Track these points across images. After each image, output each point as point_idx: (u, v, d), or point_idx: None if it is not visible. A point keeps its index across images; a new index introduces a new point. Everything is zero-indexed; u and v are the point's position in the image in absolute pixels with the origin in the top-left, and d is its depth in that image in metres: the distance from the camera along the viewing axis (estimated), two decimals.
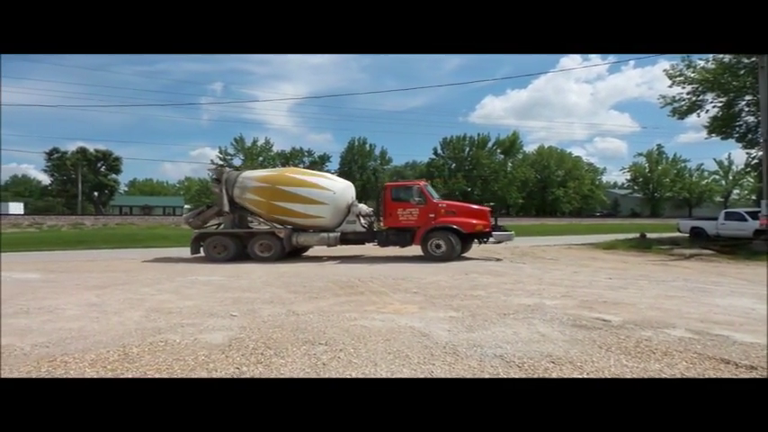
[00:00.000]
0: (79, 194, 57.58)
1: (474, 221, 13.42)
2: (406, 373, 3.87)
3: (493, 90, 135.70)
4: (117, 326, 5.57)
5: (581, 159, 79.71)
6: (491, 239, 13.86)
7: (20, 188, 71.31)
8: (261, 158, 61.60)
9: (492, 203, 16.12)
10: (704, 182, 73.96)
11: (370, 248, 15.30)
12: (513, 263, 12.71)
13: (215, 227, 15.17)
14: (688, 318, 5.82)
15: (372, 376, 3.74)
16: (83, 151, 61.15)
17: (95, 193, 62.65)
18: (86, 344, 4.79)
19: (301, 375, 3.83)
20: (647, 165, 75.85)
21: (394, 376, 3.77)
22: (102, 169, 62.58)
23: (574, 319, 5.70)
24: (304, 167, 65.42)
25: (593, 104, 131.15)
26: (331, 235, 14.04)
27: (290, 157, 64.50)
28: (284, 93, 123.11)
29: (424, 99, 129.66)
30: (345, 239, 14.25)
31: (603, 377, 3.73)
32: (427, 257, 13.29)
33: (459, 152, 69.23)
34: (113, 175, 64.52)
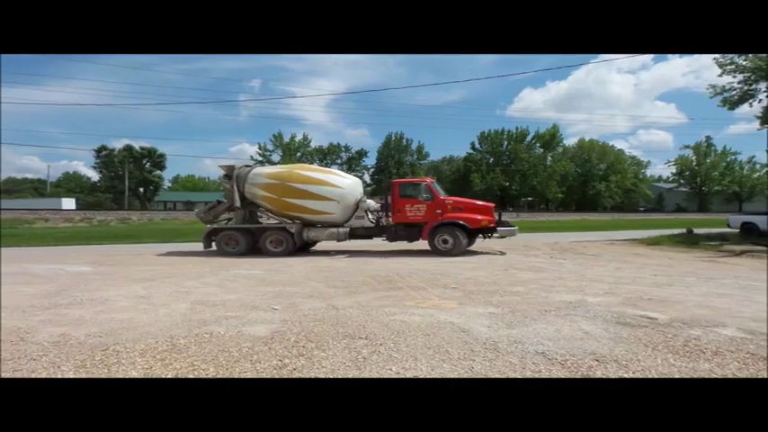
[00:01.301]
0: (126, 190, 59.73)
1: (479, 217, 13.78)
2: (446, 368, 3.88)
3: (531, 82, 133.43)
4: (164, 317, 5.76)
5: (623, 152, 77.81)
6: (495, 234, 14.12)
7: (72, 184, 74.37)
8: (299, 154, 62.31)
9: (499, 201, 16.05)
10: (756, 175, 70.85)
11: (379, 243, 15.49)
12: (554, 259, 12.49)
13: (225, 222, 15.47)
14: (739, 316, 5.60)
15: (372, 376, 3.70)
16: (129, 148, 63.39)
17: (141, 189, 64.86)
18: (136, 334, 4.98)
19: (342, 369, 3.89)
20: (694, 157, 73.23)
21: (400, 376, 3.78)
22: (147, 166, 64.71)
23: (618, 317, 5.58)
24: (341, 162, 66.19)
25: (636, 95, 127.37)
26: (341, 230, 14.34)
27: (328, 153, 65.11)
28: (321, 89, 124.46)
29: (460, 93, 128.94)
30: (354, 234, 14.57)
31: (603, 377, 3.67)
32: (434, 252, 13.61)
33: (497, 146, 68.31)
34: (158, 172, 66.66)
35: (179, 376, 3.76)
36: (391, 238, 14.41)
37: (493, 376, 3.71)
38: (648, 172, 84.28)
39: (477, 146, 69.83)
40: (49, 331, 5.09)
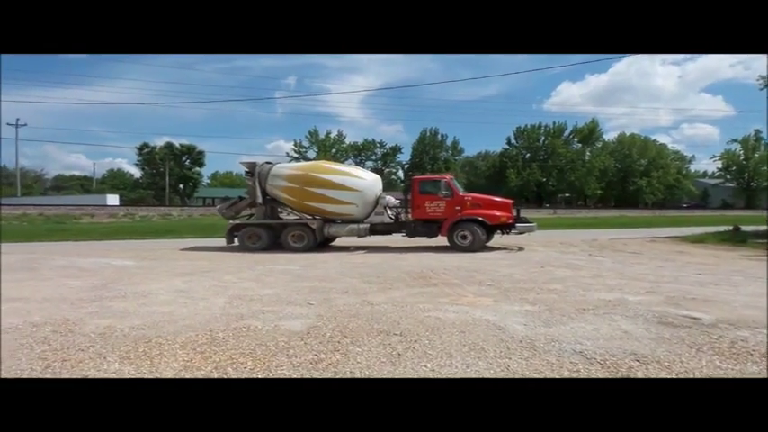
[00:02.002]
0: (167, 187, 61.42)
1: (498, 213, 13.89)
2: (481, 365, 3.85)
3: (570, 76, 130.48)
4: (203, 311, 5.90)
5: (666, 147, 75.35)
6: (513, 231, 14.26)
7: (116, 181, 76.75)
8: (334, 150, 62.75)
9: (514, 198, 16.04)
10: None
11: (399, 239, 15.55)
12: (592, 256, 12.22)
13: (246, 218, 15.73)
14: None
15: (372, 376, 3.67)
16: (169, 146, 65.14)
17: (181, 186, 66.56)
18: (177, 327, 5.12)
19: (376, 364, 3.90)
20: (741, 152, 70.33)
21: (400, 376, 3.75)
22: (186, 163, 66.35)
23: (660, 316, 5.41)
24: (376, 159, 66.35)
25: (680, 87, 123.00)
26: (361, 226, 14.48)
27: (363, 149, 65.34)
28: (356, 85, 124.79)
29: (496, 87, 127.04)
30: (374, 230, 14.74)
31: (604, 377, 3.59)
32: (453, 248, 13.69)
33: (533, 141, 67.26)
34: (197, 169, 68.26)
35: (218, 368, 3.85)
36: (411, 234, 14.57)
37: (503, 376, 3.66)
38: (693, 167, 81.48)
39: (514, 141, 68.98)
40: (95, 323, 5.28)
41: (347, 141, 66.12)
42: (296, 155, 61.70)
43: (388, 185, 67.17)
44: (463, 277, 8.54)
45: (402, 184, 68.48)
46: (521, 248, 14.07)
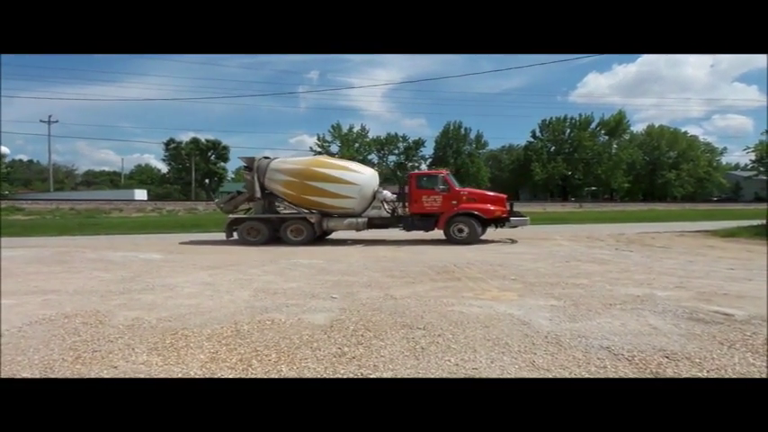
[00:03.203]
0: (193, 181, 62.36)
1: (492, 207, 14.29)
2: (506, 360, 3.82)
3: (597, 66, 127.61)
4: (229, 304, 5.98)
5: (697, 139, 73.42)
6: (507, 224, 14.56)
7: (143, 176, 78.22)
8: (357, 144, 62.77)
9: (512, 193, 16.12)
10: None
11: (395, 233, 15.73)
12: (619, 251, 11.99)
13: (244, 212, 15.90)
14: None
15: (374, 376, 3.64)
16: (195, 141, 66.01)
17: (206, 180, 67.48)
18: (203, 319, 5.20)
19: (400, 358, 3.90)
20: None
21: (406, 376, 3.72)
22: (212, 158, 67.16)
23: (690, 312, 5.29)
24: (399, 153, 66.18)
25: (712, 77, 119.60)
26: (359, 220, 14.77)
27: (386, 143, 65.14)
28: (378, 79, 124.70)
29: (520, 80, 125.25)
30: (371, 224, 15.03)
31: (603, 377, 3.53)
32: (450, 241, 14.07)
33: (558, 134, 66.19)
34: (222, 164, 69.00)
35: (242, 360, 3.89)
36: (408, 228, 14.84)
37: (509, 376, 3.61)
38: (724, 159, 79.18)
39: (539, 134, 67.95)
40: (124, 315, 5.40)
41: (370, 135, 66.02)
42: (319, 149, 61.87)
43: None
44: (487, 271, 8.47)
45: None
46: (535, 241, 13.89)
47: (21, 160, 77.45)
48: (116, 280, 7.80)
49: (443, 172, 15.39)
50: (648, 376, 3.55)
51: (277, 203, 15.77)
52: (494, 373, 3.61)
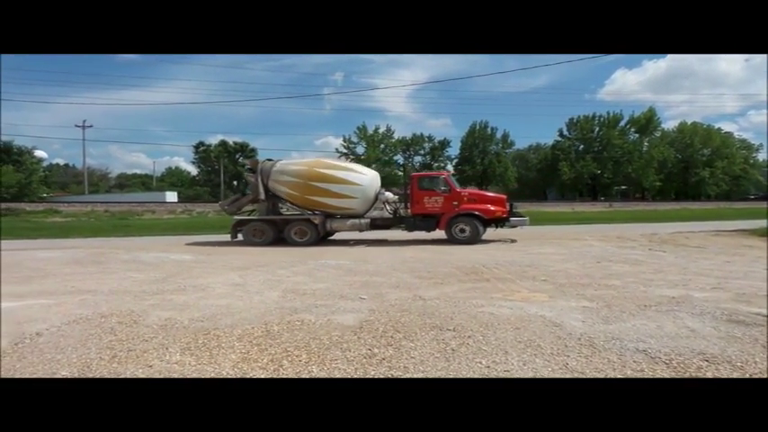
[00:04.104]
0: (221, 183, 63.31)
1: (493, 208, 14.52)
2: (538, 363, 3.76)
3: (626, 62, 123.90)
4: (259, 304, 6.04)
5: (732, 135, 71.14)
6: (507, 224, 14.72)
7: (174, 179, 79.59)
8: (382, 146, 62.72)
9: (506, 194, 16.67)
10: None
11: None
12: (652, 251, 11.71)
13: (248, 213, 16.09)
14: None
15: (373, 376, 3.62)
16: (223, 144, 67.12)
17: (235, 182, 68.42)
18: (234, 320, 5.26)
19: (430, 360, 3.88)
20: None
21: (404, 376, 3.67)
22: (240, 160, 68.09)
23: (729, 314, 5.12)
24: (424, 153, 65.92)
25: (748, 71, 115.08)
26: (362, 221, 14.96)
27: (411, 144, 64.91)
28: (403, 79, 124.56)
29: (547, 78, 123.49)
30: (374, 225, 15.25)
31: (603, 377, 3.48)
32: (451, 241, 14.30)
33: (587, 132, 64.89)
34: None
35: (273, 361, 3.92)
36: (410, 228, 15.08)
37: (518, 377, 3.54)
38: (761, 156, 76.61)
39: (566, 132, 66.81)
40: (157, 315, 5.50)
41: (395, 136, 65.89)
42: (345, 150, 62.10)
43: None
44: (516, 272, 8.37)
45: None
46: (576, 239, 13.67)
47: (58, 164, 79.61)
48: (149, 280, 7.97)
49: (444, 173, 15.85)
50: (649, 376, 3.52)
51: (280, 205, 16.04)
52: (527, 375, 3.56)
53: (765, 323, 4.75)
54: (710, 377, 3.51)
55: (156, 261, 10.64)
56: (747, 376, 3.52)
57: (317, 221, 14.77)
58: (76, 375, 3.70)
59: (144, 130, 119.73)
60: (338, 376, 3.61)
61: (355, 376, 3.62)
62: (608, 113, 65.25)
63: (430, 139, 66.09)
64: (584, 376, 3.53)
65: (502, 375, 3.56)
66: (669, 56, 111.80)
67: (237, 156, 67.85)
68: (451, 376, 3.57)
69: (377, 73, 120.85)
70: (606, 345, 4.15)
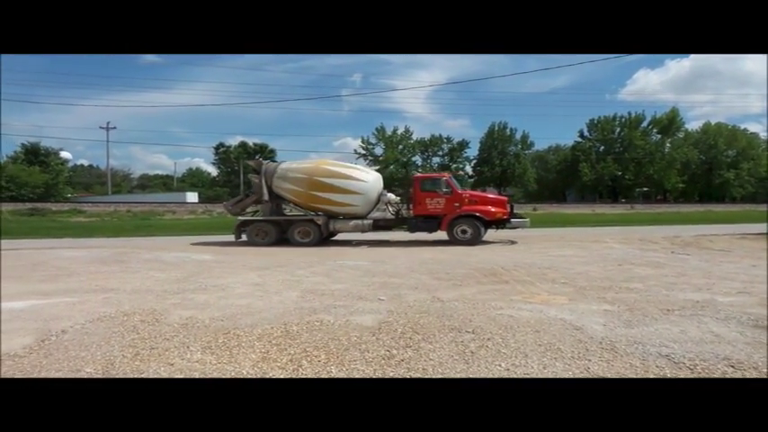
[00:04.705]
0: (241, 184, 63.85)
1: (493, 210, 14.72)
2: (558, 366, 3.72)
3: (648, 62, 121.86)
4: (278, 304, 6.08)
5: (757, 136, 69.63)
6: (508, 225, 14.89)
7: (194, 179, 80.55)
8: (401, 147, 62.62)
9: (511, 193, 17.08)
10: None
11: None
12: (675, 254, 11.52)
13: (251, 214, 16.28)
14: None
15: (372, 376, 3.60)
16: (243, 145, 67.69)
17: None
18: (254, 320, 5.30)
19: (449, 362, 3.86)
20: None
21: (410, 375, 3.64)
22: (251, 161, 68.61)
23: (755, 319, 5.01)
24: (443, 154, 65.68)
25: None
26: (365, 222, 15.18)
27: (429, 145, 64.71)
28: (421, 80, 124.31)
29: (567, 78, 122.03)
30: (376, 226, 15.46)
31: (603, 377, 3.46)
32: (453, 242, 14.48)
33: (608, 133, 64.01)
34: None
35: (293, 360, 3.95)
36: (412, 229, 15.29)
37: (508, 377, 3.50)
38: None
39: (587, 133, 66.02)
40: (179, 314, 5.58)
41: (414, 137, 65.75)
42: (363, 151, 62.20)
43: (456, 181, 66.32)
44: (535, 274, 8.30)
45: (470, 180, 67.44)
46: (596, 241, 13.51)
47: (82, 165, 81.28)
48: (170, 280, 8.08)
49: (446, 175, 15.98)
50: (648, 376, 3.50)
51: (284, 206, 16.24)
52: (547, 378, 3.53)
53: None
54: (710, 377, 3.50)
55: (177, 261, 10.79)
56: (747, 376, 3.51)
57: (320, 222, 15.01)
58: (100, 374, 3.74)
59: (165, 132, 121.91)
60: (357, 377, 3.62)
61: (374, 377, 3.62)
62: (629, 114, 64.39)
63: (448, 140, 65.79)
64: (584, 376, 3.53)
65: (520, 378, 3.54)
66: (693, 55, 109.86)
67: (257, 157, 68.44)
68: (452, 376, 3.57)
69: (395, 74, 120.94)
70: (628, 349, 4.09)
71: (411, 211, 15.30)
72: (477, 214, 14.51)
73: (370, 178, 15.63)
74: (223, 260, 10.96)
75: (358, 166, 17.20)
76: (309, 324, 5.07)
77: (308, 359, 3.98)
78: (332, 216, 15.30)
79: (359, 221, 15.15)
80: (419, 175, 17.85)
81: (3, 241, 15.88)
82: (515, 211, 15.37)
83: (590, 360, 3.84)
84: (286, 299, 6.43)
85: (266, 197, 15.51)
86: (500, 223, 14.78)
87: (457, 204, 14.72)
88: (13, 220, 27.27)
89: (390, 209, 15.81)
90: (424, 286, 7.28)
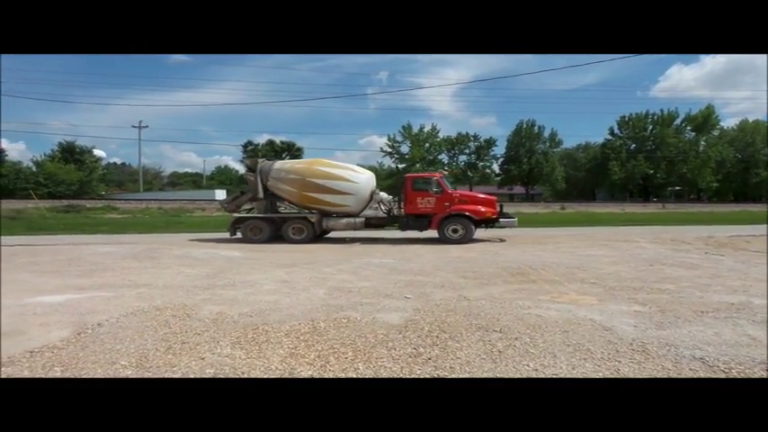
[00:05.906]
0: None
1: (483, 209, 14.94)
2: (588, 367, 3.68)
3: (681, 57, 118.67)
4: (305, 301, 6.15)
5: None
6: (497, 224, 15.12)
7: (223, 177, 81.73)
8: (427, 145, 62.36)
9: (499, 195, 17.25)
10: None
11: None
12: (709, 254, 11.21)
13: (246, 211, 16.53)
14: None
15: (373, 376, 3.59)
16: (270, 143, 68.43)
17: None
18: (281, 316, 5.38)
19: (477, 361, 3.85)
20: None
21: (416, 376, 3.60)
22: (286, 159, 69.32)
23: None
24: (470, 152, 65.23)
25: None
26: (357, 220, 15.47)
27: (456, 143, 64.29)
28: (447, 78, 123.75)
29: (596, 75, 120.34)
30: (368, 223, 15.70)
31: (603, 377, 3.44)
32: (443, 240, 14.68)
33: (639, 131, 62.60)
34: None
35: (320, 357, 3.99)
36: (403, 228, 15.56)
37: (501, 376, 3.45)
38: None
39: (617, 131, 64.69)
40: (209, 309, 5.69)
41: (440, 135, 65.39)
42: (389, 149, 62.15)
43: (483, 179, 65.78)
44: (563, 274, 8.20)
45: (497, 179, 66.73)
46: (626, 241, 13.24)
47: (115, 163, 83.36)
48: (200, 276, 8.24)
49: (437, 175, 16.17)
50: (648, 376, 3.48)
51: (279, 203, 16.47)
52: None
53: None
54: (711, 377, 3.48)
55: (207, 257, 10.98)
56: (747, 376, 3.50)
57: (313, 220, 15.26)
58: (134, 366, 3.84)
59: (194, 130, 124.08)
60: (384, 375, 3.64)
61: (401, 376, 3.64)
62: (662, 111, 62.93)
63: (475, 137, 65.26)
64: (584, 376, 3.52)
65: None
66: None
67: (284, 155, 69.09)
68: (452, 376, 3.58)
69: (421, 72, 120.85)
70: (660, 351, 4.02)
71: (402, 210, 15.58)
72: (467, 213, 14.74)
73: (361, 178, 15.92)
74: (251, 257, 11.11)
75: (351, 166, 17.39)
76: (336, 321, 5.11)
77: (336, 356, 4.02)
78: (325, 214, 15.64)
79: (351, 219, 15.48)
80: (410, 174, 18.10)
81: (42, 237, 16.43)
82: (504, 211, 15.70)
83: (620, 362, 3.78)
84: (313, 296, 6.49)
85: (261, 195, 15.89)
86: (489, 222, 15.06)
87: (447, 204, 14.96)
88: (51, 216, 28.13)
89: (383, 207, 16.07)
90: (450, 285, 7.26)
